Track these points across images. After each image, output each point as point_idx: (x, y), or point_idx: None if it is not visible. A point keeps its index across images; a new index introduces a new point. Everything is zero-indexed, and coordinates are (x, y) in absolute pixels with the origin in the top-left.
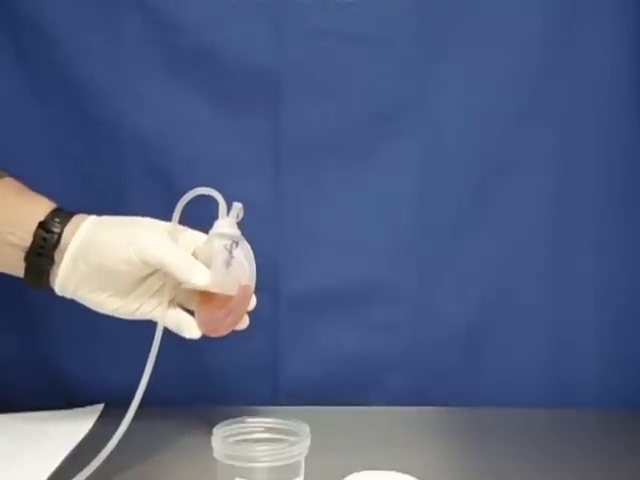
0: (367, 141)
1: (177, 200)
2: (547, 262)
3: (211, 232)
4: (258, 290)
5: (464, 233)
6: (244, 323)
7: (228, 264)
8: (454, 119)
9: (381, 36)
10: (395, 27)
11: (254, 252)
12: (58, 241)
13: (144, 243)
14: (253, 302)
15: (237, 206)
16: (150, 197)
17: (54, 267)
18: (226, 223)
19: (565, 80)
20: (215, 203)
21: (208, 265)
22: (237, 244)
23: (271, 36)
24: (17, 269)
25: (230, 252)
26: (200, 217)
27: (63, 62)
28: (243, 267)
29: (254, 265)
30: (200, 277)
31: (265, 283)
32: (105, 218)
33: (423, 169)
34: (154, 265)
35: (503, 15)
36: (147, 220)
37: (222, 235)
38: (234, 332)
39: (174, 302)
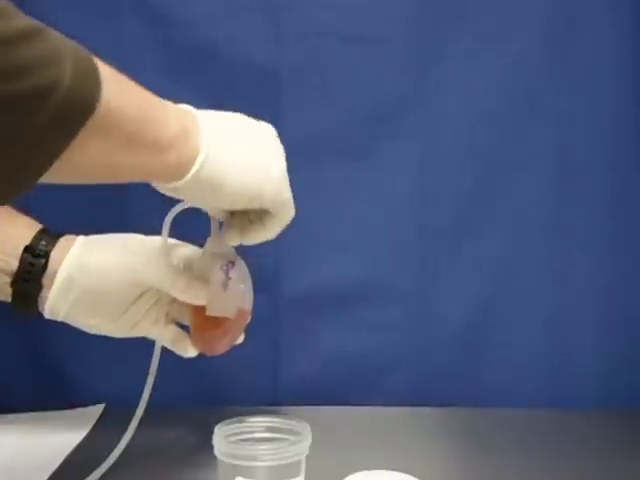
0: (367, 141)
1: (177, 200)
2: (547, 262)
3: (205, 250)
4: (258, 291)
5: (464, 233)
6: (240, 339)
7: (225, 286)
8: (454, 119)
9: (381, 36)
10: (395, 27)
11: (255, 252)
12: (46, 265)
13: (139, 268)
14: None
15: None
16: (150, 196)
17: (43, 292)
18: (218, 241)
19: (565, 80)
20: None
21: (204, 278)
22: (233, 264)
23: (271, 36)
24: (4, 294)
25: (226, 273)
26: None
27: None
28: (240, 288)
29: (250, 283)
30: (198, 297)
31: (265, 283)
32: (93, 238)
33: (423, 169)
34: (151, 287)
35: (503, 15)
36: (137, 237)
37: (216, 255)
38: (231, 348)
39: (168, 318)
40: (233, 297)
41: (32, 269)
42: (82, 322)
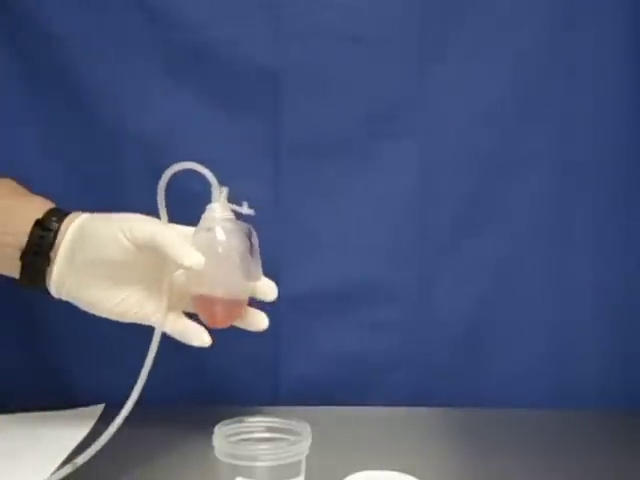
0: (367, 141)
1: (176, 200)
2: (547, 262)
3: (211, 217)
4: None
5: (464, 233)
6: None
7: (253, 252)
8: (454, 119)
9: (381, 36)
10: (395, 27)
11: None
12: (54, 239)
13: (134, 224)
14: None
15: (224, 190)
16: (150, 198)
17: (50, 266)
18: (221, 207)
19: (565, 80)
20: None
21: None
22: (251, 231)
23: (271, 36)
24: (12, 269)
25: (250, 239)
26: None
27: (63, 61)
28: (259, 255)
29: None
30: (195, 258)
31: None
32: (98, 214)
33: (423, 169)
34: (145, 244)
35: (503, 15)
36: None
37: (235, 222)
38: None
39: (178, 310)
40: (258, 262)
41: (41, 242)
42: (86, 296)
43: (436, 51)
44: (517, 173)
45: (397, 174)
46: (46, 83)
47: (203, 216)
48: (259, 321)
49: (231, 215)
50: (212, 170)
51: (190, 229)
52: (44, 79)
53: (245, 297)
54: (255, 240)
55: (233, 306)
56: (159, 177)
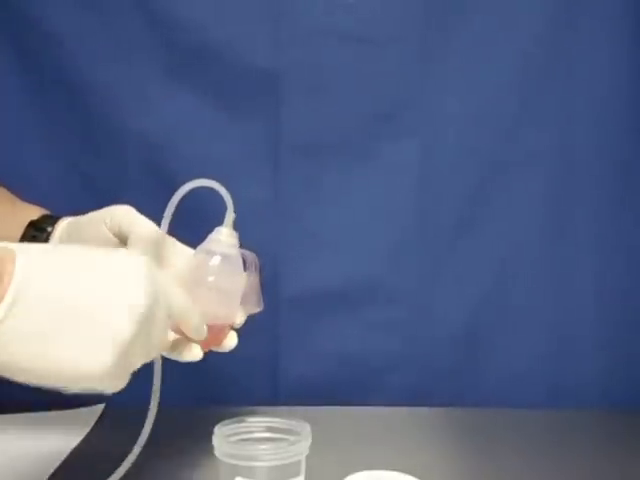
0: (367, 141)
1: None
2: (547, 262)
3: (216, 240)
4: None
5: (464, 233)
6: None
7: (254, 282)
8: (454, 119)
9: (381, 36)
10: (395, 27)
11: (254, 252)
12: (46, 240)
13: (117, 212)
14: None
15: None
16: (150, 198)
17: None
18: (229, 232)
19: (565, 80)
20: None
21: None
22: (253, 261)
23: (271, 36)
24: None
25: (253, 270)
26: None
27: (64, 62)
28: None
29: None
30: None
31: (265, 283)
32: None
33: (423, 169)
34: (122, 231)
35: (503, 15)
36: None
37: (239, 250)
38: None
39: None
40: (258, 292)
41: (34, 241)
42: None
43: (436, 51)
44: (517, 173)
45: (397, 174)
46: (47, 83)
47: (209, 237)
48: (230, 341)
49: (237, 242)
50: (212, 170)
51: (189, 250)
52: (45, 79)
53: (230, 323)
54: (258, 270)
55: (217, 333)
56: (159, 177)
